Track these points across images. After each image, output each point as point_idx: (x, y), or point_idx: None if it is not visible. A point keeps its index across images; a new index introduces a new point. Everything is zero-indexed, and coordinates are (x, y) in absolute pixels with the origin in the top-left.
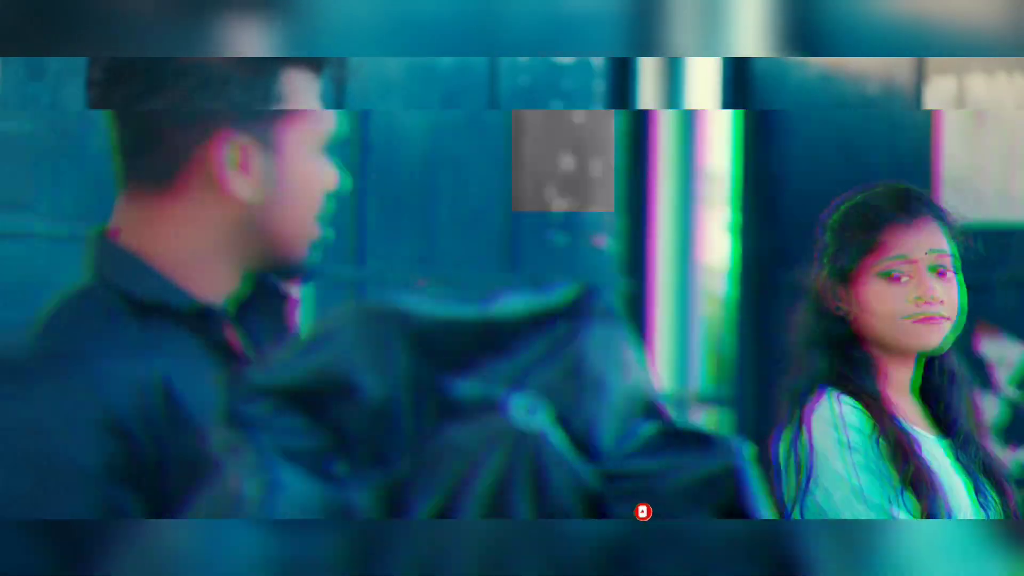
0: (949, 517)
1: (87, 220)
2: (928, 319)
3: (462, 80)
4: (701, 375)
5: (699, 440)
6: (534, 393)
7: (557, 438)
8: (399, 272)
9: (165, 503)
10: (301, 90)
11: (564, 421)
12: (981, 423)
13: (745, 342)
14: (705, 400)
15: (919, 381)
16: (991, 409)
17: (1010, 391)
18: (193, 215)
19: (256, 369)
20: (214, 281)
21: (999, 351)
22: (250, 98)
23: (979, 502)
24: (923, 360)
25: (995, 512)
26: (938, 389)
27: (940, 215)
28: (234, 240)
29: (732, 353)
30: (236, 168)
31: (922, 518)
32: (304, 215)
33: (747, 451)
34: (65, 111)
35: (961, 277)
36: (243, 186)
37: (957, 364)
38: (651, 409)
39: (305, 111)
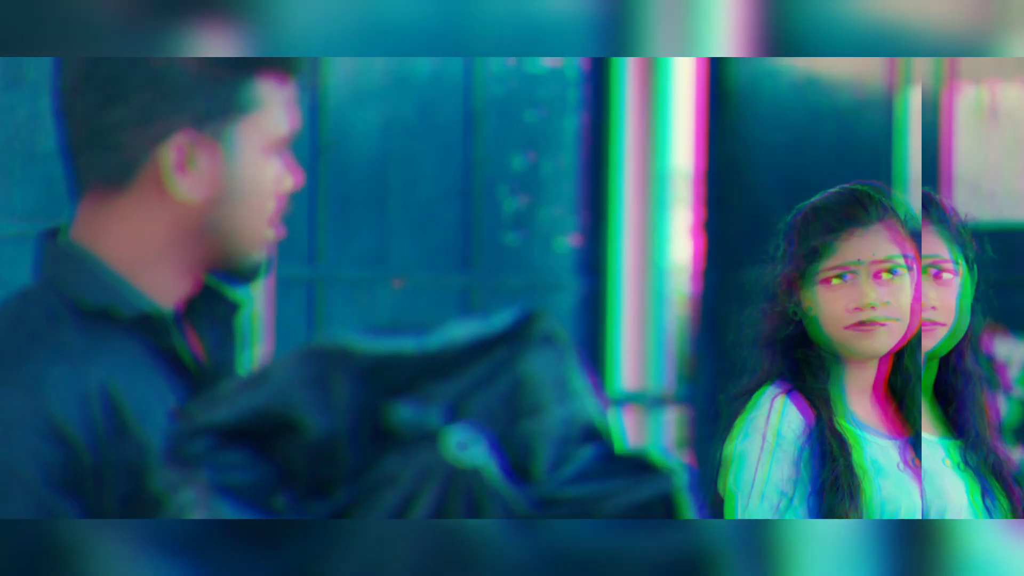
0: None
1: (38, 220)
2: (861, 325)
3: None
4: (666, 374)
5: (636, 466)
6: (470, 425)
7: (492, 473)
8: (352, 271)
9: (104, 511)
10: (268, 94)
11: (501, 446)
12: (993, 424)
13: (705, 341)
14: (670, 399)
15: (931, 381)
16: (1001, 409)
17: (1020, 391)
18: (144, 217)
19: (198, 407)
20: (165, 285)
21: (1009, 351)
22: (214, 103)
23: (985, 505)
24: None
25: (1001, 515)
26: (950, 390)
27: (903, 217)
28: (185, 242)
29: (694, 352)
30: (176, 168)
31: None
32: (256, 217)
33: (684, 476)
34: (15, 111)
35: (969, 278)
36: (184, 186)
37: (972, 365)
38: (590, 434)
39: (258, 113)
